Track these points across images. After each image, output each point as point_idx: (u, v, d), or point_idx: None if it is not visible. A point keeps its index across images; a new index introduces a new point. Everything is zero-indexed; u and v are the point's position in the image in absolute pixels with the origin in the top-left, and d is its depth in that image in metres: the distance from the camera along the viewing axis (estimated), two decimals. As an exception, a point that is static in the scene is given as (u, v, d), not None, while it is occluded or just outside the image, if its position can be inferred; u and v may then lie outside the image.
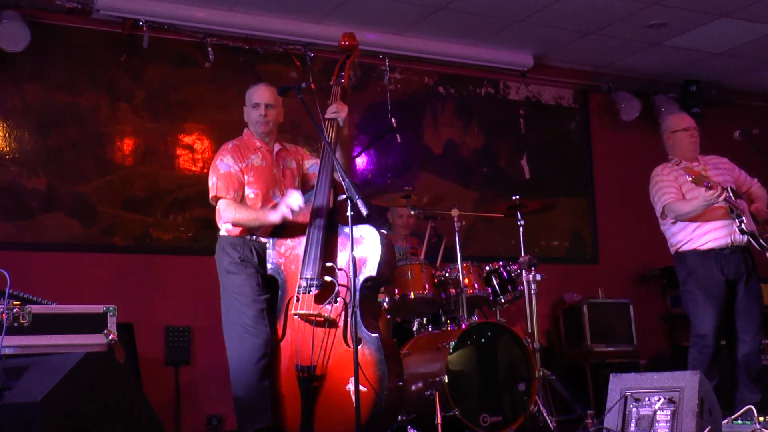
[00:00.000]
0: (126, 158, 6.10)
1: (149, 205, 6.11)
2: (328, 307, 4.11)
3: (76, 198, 5.92)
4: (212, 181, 4.43)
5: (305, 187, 4.54)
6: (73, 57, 6.04)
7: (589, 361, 6.71)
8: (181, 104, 6.31)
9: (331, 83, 4.54)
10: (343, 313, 4.11)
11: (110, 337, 3.97)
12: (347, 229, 4.00)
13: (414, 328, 5.45)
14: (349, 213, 3.93)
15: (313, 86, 4.45)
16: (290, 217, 4.20)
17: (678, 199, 5.12)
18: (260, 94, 4.53)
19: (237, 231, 4.40)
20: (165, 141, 6.23)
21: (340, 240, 4.19)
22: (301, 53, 6.57)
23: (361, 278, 4.12)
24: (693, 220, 5.12)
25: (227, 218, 4.38)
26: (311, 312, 4.11)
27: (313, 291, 4.11)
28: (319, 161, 4.45)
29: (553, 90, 7.70)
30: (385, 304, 5.20)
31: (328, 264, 4.15)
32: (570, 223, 7.58)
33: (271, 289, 4.36)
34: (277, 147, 4.57)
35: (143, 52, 6.15)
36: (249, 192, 4.41)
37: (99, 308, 4.03)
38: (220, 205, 4.41)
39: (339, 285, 4.11)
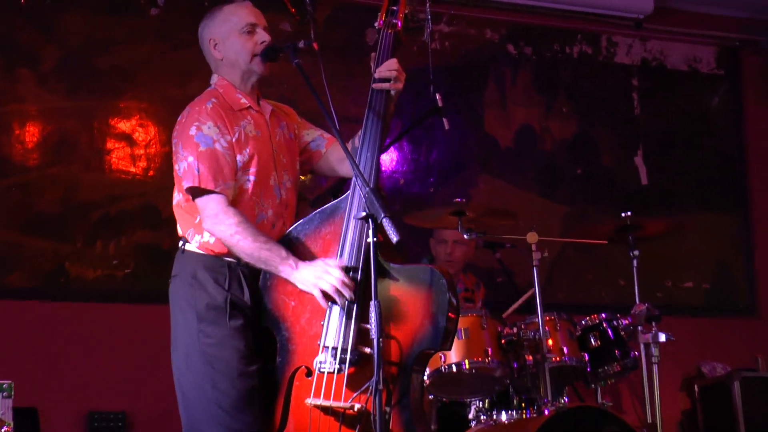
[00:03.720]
0: (29, 154, 6.13)
1: (65, 226, 6.13)
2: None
3: (-45, 215, 5.96)
4: (186, 162, 4.03)
5: (303, 168, 4.40)
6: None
7: (744, 466, 6.69)
8: (115, 71, 6.34)
9: (377, 25, 4.30)
10: (394, 405, 3.91)
11: (3, 430, 3.98)
12: (398, 271, 3.93)
13: (470, 415, 5.43)
14: (370, 239, 3.84)
15: (315, 45, 4.22)
16: (321, 301, 3.96)
17: None
18: (253, 12, 4.28)
19: (220, 246, 4.05)
20: (90, 128, 6.27)
21: (388, 286, 3.98)
22: (298, -6, 6.61)
23: (413, 350, 3.95)
24: None
25: (218, 231, 4.01)
26: (341, 404, 3.94)
27: (344, 370, 3.95)
28: (321, 132, 4.38)
29: (683, 48, 7.69)
30: (425, 377, 5.18)
31: (366, 326, 3.86)
32: (712, 253, 7.55)
33: (262, 345, 4.11)
34: (267, 107, 4.29)
35: (57, -9, 6.22)
36: (243, 180, 4.11)
37: (-13, 384, 4.05)
38: (209, 207, 4.02)
39: (386, 362, 3.90)
